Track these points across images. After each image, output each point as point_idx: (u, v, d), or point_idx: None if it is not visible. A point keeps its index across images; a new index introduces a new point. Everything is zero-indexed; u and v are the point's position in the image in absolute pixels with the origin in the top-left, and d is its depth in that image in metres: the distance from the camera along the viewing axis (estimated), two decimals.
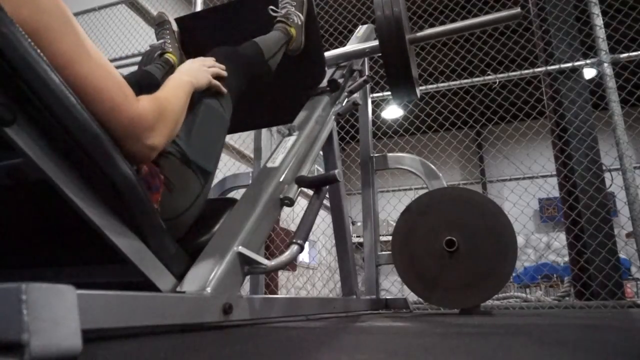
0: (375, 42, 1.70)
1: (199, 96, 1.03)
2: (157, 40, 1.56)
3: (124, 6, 3.91)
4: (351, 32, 2.16)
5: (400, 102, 1.96)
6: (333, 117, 1.58)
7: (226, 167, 3.78)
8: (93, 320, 0.54)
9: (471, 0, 3.76)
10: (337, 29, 3.54)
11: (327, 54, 1.73)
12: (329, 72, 1.70)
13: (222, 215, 1.02)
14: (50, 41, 0.63)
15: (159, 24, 1.57)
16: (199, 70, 1.04)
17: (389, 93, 2.39)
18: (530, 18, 3.30)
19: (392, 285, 3.40)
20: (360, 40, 1.96)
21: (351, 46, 1.84)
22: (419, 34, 1.72)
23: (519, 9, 1.60)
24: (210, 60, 1.11)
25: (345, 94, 1.69)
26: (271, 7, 1.48)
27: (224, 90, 1.10)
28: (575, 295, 2.89)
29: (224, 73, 1.12)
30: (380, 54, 1.66)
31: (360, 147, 2.23)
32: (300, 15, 1.50)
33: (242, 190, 1.46)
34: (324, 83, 1.61)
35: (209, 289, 0.82)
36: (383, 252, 2.07)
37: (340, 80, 1.62)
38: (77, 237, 0.80)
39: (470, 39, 4.16)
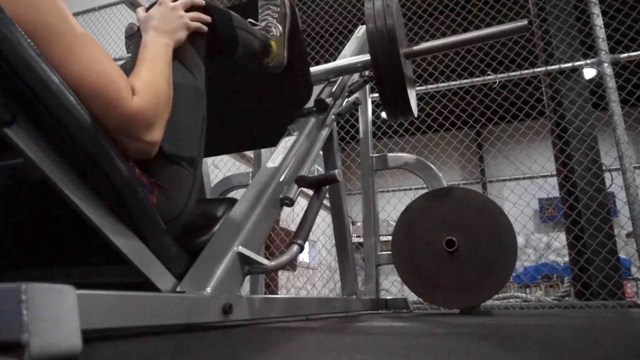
0: (368, 56, 1.52)
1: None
2: (128, 51, 1.50)
3: (124, 6, 3.92)
4: (351, 32, 2.16)
5: (395, 121, 1.86)
6: (333, 117, 1.58)
7: (226, 167, 3.78)
8: (93, 320, 0.54)
9: (471, 0, 3.76)
10: (337, 29, 3.54)
11: (314, 69, 1.59)
12: (317, 88, 1.54)
13: (222, 215, 1.02)
14: (48, 39, 0.62)
15: (129, 37, 1.51)
16: (173, 18, 0.91)
17: None
18: (530, 18, 3.30)
19: (392, 285, 3.40)
20: (360, 40, 1.95)
21: (342, 61, 1.68)
22: (416, 47, 1.58)
23: (525, 22, 1.47)
24: (184, 0, 0.96)
25: (333, 117, 1.53)
26: (249, 19, 1.32)
27: (205, 28, 0.98)
28: (575, 295, 2.89)
29: (206, 17, 0.98)
30: (372, 70, 1.51)
31: (360, 147, 2.23)
32: (280, 27, 1.37)
33: (242, 190, 1.45)
34: (311, 103, 1.47)
35: (209, 289, 0.82)
36: (383, 252, 2.07)
37: (329, 100, 1.47)
38: (77, 238, 0.80)
39: None
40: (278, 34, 1.35)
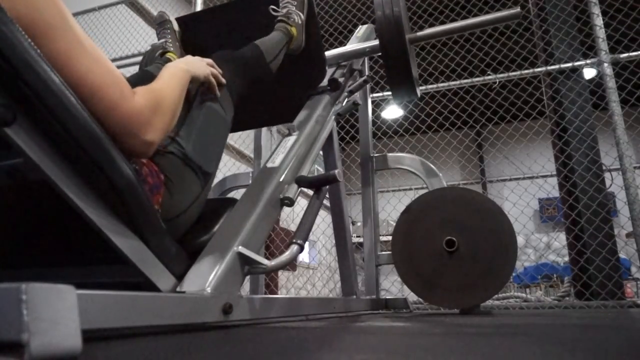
0: (376, 42, 1.70)
1: (201, 99, 1.04)
2: (158, 39, 1.56)
3: (124, 6, 3.91)
4: (351, 32, 2.16)
5: (401, 102, 1.97)
6: (333, 117, 1.58)
7: (226, 167, 3.78)
8: (93, 320, 0.54)
9: (471, 0, 3.76)
10: (337, 29, 3.54)
11: (327, 53, 1.73)
12: (329, 71, 1.70)
13: (222, 215, 1.02)
14: (48, 39, 0.62)
15: (159, 23, 1.57)
16: (197, 62, 1.02)
17: (389, 93, 2.39)
18: (530, 18, 3.30)
19: (392, 285, 3.40)
20: (360, 40, 1.96)
21: (351, 46, 1.85)
22: (419, 33, 1.73)
23: (518, 9, 1.61)
24: (210, 60, 1.11)
25: (346, 93, 1.69)
26: (272, 6, 1.48)
27: (217, 93, 1.10)
28: (575, 295, 2.89)
29: (222, 80, 1.11)
30: (380, 54, 1.66)
31: (360, 147, 2.23)
32: (301, 14, 1.50)
33: (242, 190, 1.46)
34: (325, 82, 1.62)
35: (209, 289, 0.82)
36: (383, 252, 2.07)
37: (341, 80, 1.62)
38: (77, 238, 0.80)
39: (470, 39, 4.17)
40: (300, 22, 1.49)
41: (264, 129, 2.33)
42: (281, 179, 1.14)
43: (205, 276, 0.84)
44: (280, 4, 1.51)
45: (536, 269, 6.42)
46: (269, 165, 1.18)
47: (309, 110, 1.48)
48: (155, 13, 2.20)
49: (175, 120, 0.87)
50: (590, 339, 0.70)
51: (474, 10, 4.08)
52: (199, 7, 3.45)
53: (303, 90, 1.62)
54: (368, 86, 2.28)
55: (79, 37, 0.67)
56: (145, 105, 0.76)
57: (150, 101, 0.77)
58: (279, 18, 1.47)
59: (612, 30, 2.85)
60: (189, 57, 1.05)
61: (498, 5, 4.50)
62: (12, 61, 0.55)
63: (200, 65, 1.03)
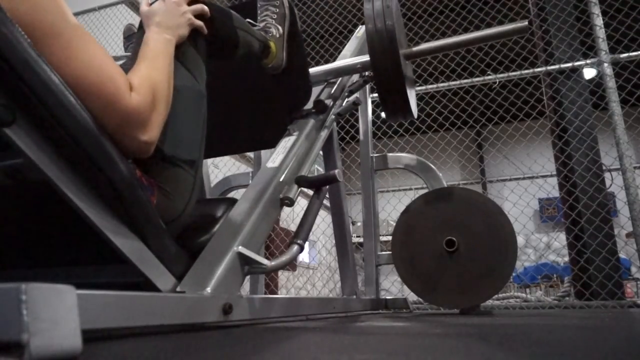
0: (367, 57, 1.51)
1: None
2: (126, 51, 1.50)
3: (124, 6, 3.92)
4: (351, 32, 2.16)
5: (395, 122, 1.84)
6: (333, 117, 1.58)
7: (226, 167, 3.78)
8: (93, 320, 0.54)
9: (471, 0, 3.76)
10: (337, 29, 3.54)
11: (313, 70, 1.58)
12: (316, 90, 1.54)
13: (222, 215, 1.02)
14: (47, 37, 0.62)
15: (127, 37, 1.51)
16: (175, 14, 0.90)
17: None
18: (530, 18, 3.30)
19: (392, 285, 3.40)
20: (360, 40, 1.95)
21: (341, 62, 1.68)
22: (415, 48, 1.57)
23: (525, 23, 1.45)
24: None
25: (333, 117, 1.53)
26: (248, 19, 1.30)
27: (205, 30, 0.97)
28: (575, 295, 2.89)
29: (206, 9, 0.97)
30: (371, 71, 1.50)
31: (360, 147, 2.23)
32: (280, 28, 1.36)
33: (242, 190, 1.45)
34: (310, 104, 1.47)
35: (209, 289, 0.82)
36: (383, 252, 2.07)
37: (328, 101, 1.46)
38: (77, 237, 0.80)
39: None
40: (277, 35, 1.34)
41: None
42: (281, 179, 1.14)
43: (205, 276, 0.84)
44: (259, 18, 1.37)
45: (536, 269, 6.42)
46: (269, 165, 1.18)
47: (295, 135, 1.33)
48: None
49: (169, 105, 0.81)
50: (590, 339, 0.70)
51: (474, 10, 4.08)
52: None
53: (286, 113, 1.45)
54: (368, 86, 2.27)
55: (78, 34, 0.66)
56: (142, 102, 0.73)
57: (146, 96, 0.74)
58: None
59: (612, 30, 2.85)
60: (162, 9, 0.90)
61: (498, 5, 4.49)
62: (12, 61, 0.55)
63: (180, 19, 0.90)
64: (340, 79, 1.64)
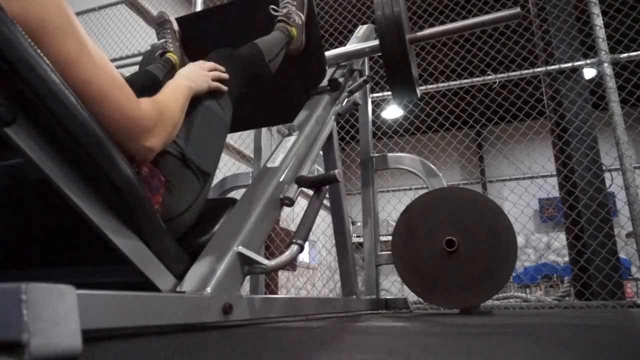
0: (376, 42, 1.70)
1: (199, 98, 1.04)
2: (158, 39, 1.56)
3: (124, 6, 3.91)
4: (351, 32, 2.16)
5: (401, 102, 1.97)
6: (333, 117, 1.58)
7: (226, 167, 3.78)
8: (93, 320, 0.54)
9: (471, 0, 3.76)
10: (337, 29, 3.54)
11: (327, 53, 1.73)
12: (329, 71, 1.69)
13: (222, 215, 1.02)
14: (54, 42, 0.63)
15: (159, 23, 1.57)
16: (199, 74, 1.04)
17: (389, 93, 2.39)
18: (530, 18, 3.30)
19: (392, 285, 3.40)
20: (360, 40, 1.96)
21: (351, 46, 1.84)
22: (419, 33, 1.72)
23: (518, 9, 1.60)
24: (210, 64, 1.11)
25: (346, 93, 1.69)
26: (272, 6, 1.48)
27: (225, 88, 1.10)
28: (575, 295, 2.89)
29: (225, 75, 1.12)
30: (380, 54, 1.66)
31: (360, 147, 2.23)
32: (301, 14, 1.50)
33: (242, 190, 1.45)
34: (325, 82, 1.61)
35: (209, 289, 0.82)
36: (383, 252, 2.07)
37: (341, 80, 1.61)
38: (77, 237, 0.80)
39: (470, 39, 4.16)
40: (300, 22, 1.49)
41: (264, 129, 2.32)
42: (281, 179, 1.14)
43: (205, 276, 0.84)
44: (280, 4, 1.50)
45: (536, 269, 6.42)
46: (269, 165, 1.18)
47: (309, 110, 1.47)
48: (155, 13, 2.20)
49: (176, 132, 0.88)
50: (590, 339, 0.70)
51: (474, 10, 4.07)
52: (199, 7, 3.45)
53: (303, 91, 1.62)
54: (368, 86, 2.28)
55: (84, 40, 0.68)
56: (150, 112, 0.77)
57: (154, 109, 0.79)
58: (279, 18, 1.47)
59: (612, 30, 2.85)
60: (189, 68, 1.05)
61: (498, 5, 4.50)
62: (12, 61, 0.55)
63: (202, 77, 1.04)
64: (350, 62, 1.80)
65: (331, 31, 3.54)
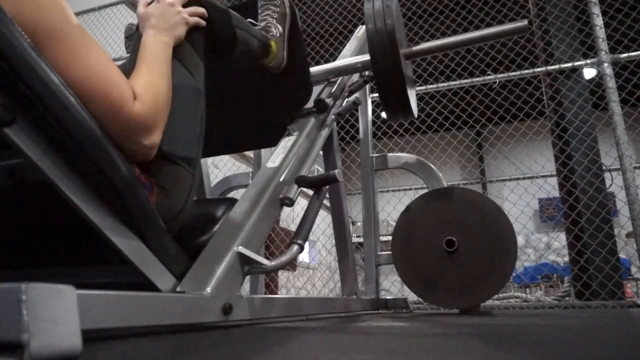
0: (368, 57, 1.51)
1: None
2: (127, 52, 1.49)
3: (124, 6, 3.92)
4: (351, 32, 2.16)
5: (395, 122, 1.83)
6: (333, 117, 1.57)
7: (226, 167, 3.78)
8: (93, 320, 0.54)
9: (471, 0, 3.76)
10: (337, 29, 3.54)
11: (314, 69, 1.58)
12: (316, 89, 1.54)
13: (222, 215, 1.02)
14: (52, 41, 0.62)
15: (128, 37, 1.51)
16: (172, 13, 0.91)
17: None
18: (530, 18, 3.30)
19: (392, 285, 3.40)
20: (360, 40, 1.95)
21: (341, 61, 1.67)
22: (416, 48, 1.57)
23: (525, 22, 1.45)
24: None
25: (333, 117, 1.52)
26: (249, 19, 1.30)
27: (203, 23, 0.98)
28: (575, 295, 2.90)
29: (202, 10, 0.98)
30: (372, 70, 1.50)
31: (360, 147, 2.23)
32: (280, 27, 1.37)
33: (242, 190, 1.45)
34: (311, 103, 1.46)
35: (208, 289, 0.82)
36: (383, 252, 2.07)
37: (329, 101, 1.46)
38: (77, 238, 0.80)
39: None
40: (278, 35, 1.35)
41: None
42: (281, 179, 1.14)
43: (205, 276, 0.84)
44: (260, 17, 1.37)
45: (536, 269, 6.42)
46: (269, 165, 1.18)
47: (295, 135, 1.33)
48: None
49: (169, 107, 0.82)
50: (590, 340, 0.70)
51: (474, 10, 4.08)
52: None
53: (287, 113, 1.45)
54: (368, 86, 2.27)
55: (83, 39, 0.67)
56: (146, 110, 0.74)
57: (149, 104, 0.75)
58: None
59: (612, 30, 2.85)
60: (160, 8, 0.92)
61: (498, 5, 4.49)
62: (12, 61, 0.55)
63: (176, 18, 0.91)
64: (340, 78, 1.64)
65: (331, 31, 3.54)
